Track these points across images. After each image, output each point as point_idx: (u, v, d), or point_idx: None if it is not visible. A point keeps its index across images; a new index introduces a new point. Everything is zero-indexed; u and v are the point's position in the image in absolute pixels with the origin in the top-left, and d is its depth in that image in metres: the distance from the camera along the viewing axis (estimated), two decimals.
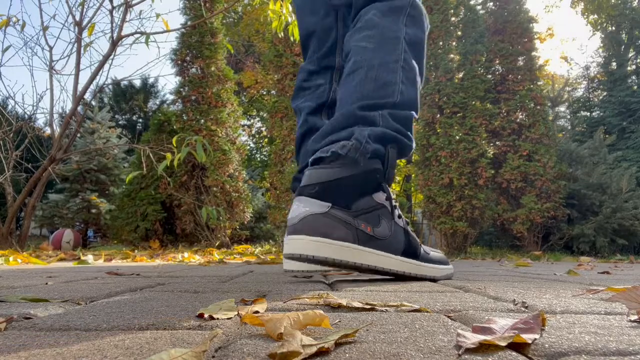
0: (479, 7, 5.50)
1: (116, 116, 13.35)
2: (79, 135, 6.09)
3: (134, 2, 3.34)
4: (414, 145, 1.01)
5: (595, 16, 12.15)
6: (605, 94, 9.85)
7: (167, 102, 13.86)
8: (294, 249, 0.82)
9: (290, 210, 0.87)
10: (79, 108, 3.63)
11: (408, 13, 1.08)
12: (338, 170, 0.86)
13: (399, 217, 0.92)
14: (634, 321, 0.46)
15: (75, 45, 3.40)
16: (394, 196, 0.93)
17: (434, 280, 0.95)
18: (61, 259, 2.14)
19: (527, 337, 0.35)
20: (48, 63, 3.42)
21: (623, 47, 10.42)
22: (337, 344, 0.35)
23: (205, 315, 0.47)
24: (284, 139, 5.15)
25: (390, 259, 0.88)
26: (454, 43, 5.30)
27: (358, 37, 1.05)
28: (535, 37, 5.29)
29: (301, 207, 0.84)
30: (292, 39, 2.74)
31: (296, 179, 1.31)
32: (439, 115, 5.09)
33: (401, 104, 0.97)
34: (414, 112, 1.01)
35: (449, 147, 4.81)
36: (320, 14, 1.23)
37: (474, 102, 4.96)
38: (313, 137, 1.01)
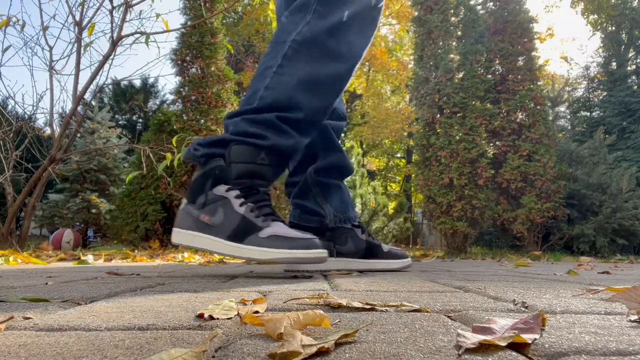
0: (479, 7, 5.50)
1: (116, 116, 13.35)
2: (79, 135, 6.09)
3: (134, 2, 3.34)
4: (285, 142, 1.08)
5: (595, 16, 12.15)
6: (605, 94, 9.85)
7: (167, 102, 13.86)
8: (173, 238, 1.10)
9: None
10: (79, 108, 3.63)
11: (314, 9, 1.09)
12: (194, 174, 1.09)
13: (242, 205, 1.03)
14: (634, 321, 0.46)
15: (75, 45, 3.40)
16: (241, 186, 1.05)
17: (260, 262, 1.07)
18: (61, 259, 2.14)
19: (527, 337, 0.35)
20: (48, 63, 3.42)
21: (623, 47, 10.41)
22: (337, 344, 0.35)
23: (205, 315, 0.47)
24: None
25: (216, 242, 1.03)
26: (454, 43, 5.30)
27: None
28: (535, 37, 5.29)
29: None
30: None
31: (288, 184, 1.40)
32: (439, 115, 5.09)
33: (260, 109, 1.08)
34: (281, 113, 1.07)
35: (449, 147, 4.80)
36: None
37: (474, 102, 4.96)
38: None
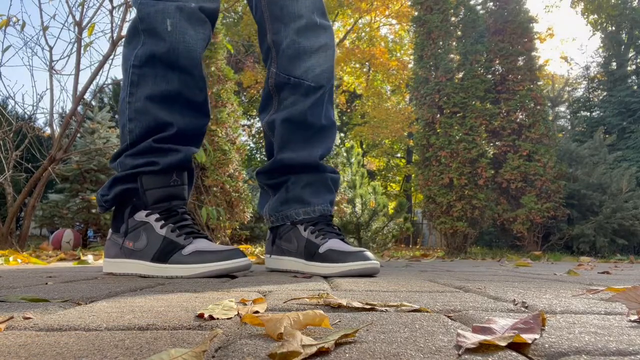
0: (479, 7, 5.50)
1: (116, 116, 13.33)
2: (79, 135, 6.09)
3: None
4: (174, 158, 1.09)
5: (595, 16, 12.15)
6: (605, 94, 9.85)
7: None
8: (104, 268, 1.14)
9: None
10: (79, 108, 3.63)
11: (142, 29, 1.09)
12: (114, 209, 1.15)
13: (163, 227, 1.05)
14: (634, 321, 0.46)
15: (75, 45, 3.40)
16: (161, 210, 1.07)
17: (182, 277, 1.03)
18: (61, 259, 2.14)
19: (527, 337, 0.35)
20: (48, 63, 3.42)
21: (623, 47, 10.41)
22: (337, 344, 0.35)
23: (205, 315, 0.47)
24: None
25: (142, 265, 1.06)
26: (454, 43, 5.30)
27: None
28: (535, 37, 5.29)
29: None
30: None
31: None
32: (439, 115, 5.09)
33: (134, 142, 1.09)
34: (156, 136, 1.08)
35: (449, 147, 4.81)
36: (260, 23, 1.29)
37: (474, 102, 4.96)
38: None
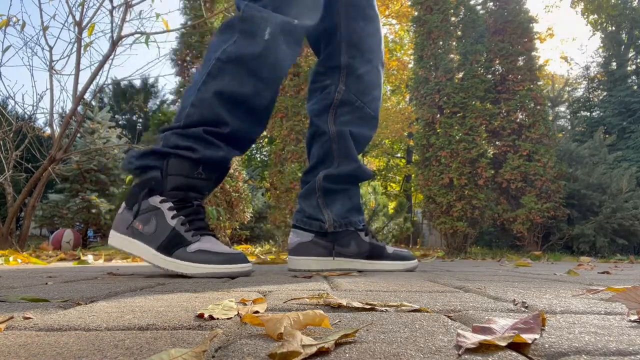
0: (479, 7, 5.49)
1: (116, 116, 13.36)
2: (79, 135, 6.09)
3: (134, 2, 3.34)
4: (215, 155, 1.11)
5: (595, 16, 12.14)
6: (605, 94, 9.85)
7: (167, 102, 13.87)
8: (109, 240, 1.13)
9: None
10: (79, 108, 3.63)
11: (240, 29, 1.12)
12: (133, 182, 1.09)
13: (174, 217, 1.06)
14: (634, 321, 0.46)
15: (75, 45, 3.40)
16: (176, 199, 1.07)
17: (185, 276, 1.03)
18: (61, 259, 2.14)
19: (527, 337, 0.35)
20: (48, 63, 3.42)
21: (623, 47, 10.41)
22: (337, 344, 0.35)
23: (205, 315, 0.47)
24: (284, 139, 5.15)
25: (146, 251, 1.06)
26: (454, 43, 5.29)
27: None
28: (535, 37, 5.28)
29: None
30: None
31: (303, 181, 1.43)
32: (439, 115, 5.09)
33: (187, 125, 1.11)
34: (208, 127, 1.10)
35: (449, 147, 4.80)
36: (323, 16, 1.24)
37: (474, 102, 4.96)
38: None
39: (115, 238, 1.11)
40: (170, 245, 1.04)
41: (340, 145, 1.36)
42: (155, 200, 1.07)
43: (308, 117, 1.44)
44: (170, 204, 1.07)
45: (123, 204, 1.13)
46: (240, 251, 1.11)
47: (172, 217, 1.06)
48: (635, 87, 9.51)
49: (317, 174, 1.37)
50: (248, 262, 1.06)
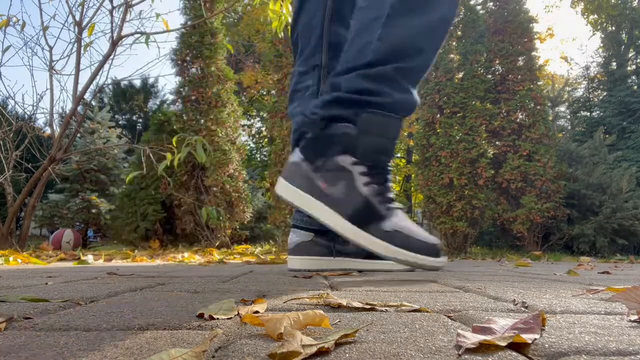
0: (479, 7, 5.49)
1: (116, 116, 13.36)
2: (79, 135, 6.09)
3: (134, 2, 3.34)
4: (405, 97, 0.97)
5: (595, 16, 12.14)
6: (605, 94, 9.85)
7: (167, 102, 13.86)
8: (277, 188, 1.02)
9: None
10: (79, 108, 3.63)
11: None
12: (312, 131, 0.98)
13: (366, 184, 0.94)
14: (634, 321, 0.46)
15: (75, 45, 3.40)
16: (366, 165, 0.95)
17: (380, 258, 0.95)
18: (61, 259, 2.14)
19: (527, 337, 0.35)
20: (48, 63, 3.42)
21: (623, 47, 10.41)
22: (337, 344, 0.35)
23: (205, 315, 0.47)
24: (284, 139, 5.15)
25: (333, 217, 0.94)
26: (454, 43, 5.29)
27: None
28: (535, 37, 5.28)
29: (291, 157, 1.01)
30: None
31: None
32: (439, 115, 5.09)
33: (374, 62, 0.96)
34: (397, 64, 0.96)
35: (449, 147, 4.80)
36: (309, 13, 1.20)
37: (474, 102, 4.96)
38: None
39: (290, 191, 0.95)
40: (363, 217, 0.93)
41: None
42: (347, 160, 0.94)
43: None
44: (363, 169, 0.94)
45: (297, 151, 0.97)
46: (437, 240, 0.98)
47: (365, 184, 0.94)
48: (635, 87, 9.51)
49: None
50: (444, 255, 0.97)
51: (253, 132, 15.61)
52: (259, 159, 15.57)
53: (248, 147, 13.59)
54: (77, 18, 3.39)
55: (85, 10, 3.41)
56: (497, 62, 5.20)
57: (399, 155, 17.16)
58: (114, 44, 3.30)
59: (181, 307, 0.55)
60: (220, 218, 4.71)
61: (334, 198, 0.93)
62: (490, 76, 5.18)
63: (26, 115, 3.93)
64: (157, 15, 3.20)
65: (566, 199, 4.88)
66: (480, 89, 4.91)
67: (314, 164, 0.95)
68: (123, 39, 3.34)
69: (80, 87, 3.39)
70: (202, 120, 5.15)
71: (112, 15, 3.26)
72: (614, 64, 10.13)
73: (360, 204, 0.93)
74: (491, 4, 5.47)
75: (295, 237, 1.30)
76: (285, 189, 0.98)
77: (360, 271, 1.27)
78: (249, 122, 15.55)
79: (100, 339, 0.37)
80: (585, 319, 0.48)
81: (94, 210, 6.38)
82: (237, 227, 5.20)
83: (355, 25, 1.02)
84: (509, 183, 4.86)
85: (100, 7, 3.39)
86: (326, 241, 1.25)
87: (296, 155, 0.98)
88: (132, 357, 0.32)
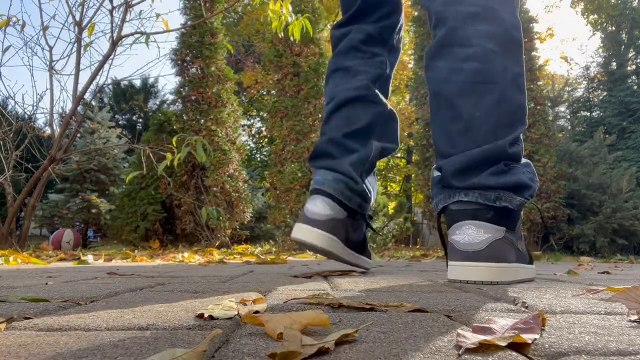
0: None
1: (116, 116, 13.36)
2: (79, 135, 6.09)
3: (134, 2, 3.34)
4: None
5: (595, 16, 12.15)
6: (605, 94, 9.85)
7: (167, 102, 13.85)
8: (477, 277, 0.87)
9: (464, 232, 0.89)
10: (79, 108, 3.63)
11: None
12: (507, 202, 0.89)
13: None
14: (634, 321, 0.46)
15: (75, 45, 3.41)
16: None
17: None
18: (61, 259, 2.14)
19: (527, 337, 0.35)
20: (48, 63, 3.42)
21: (623, 47, 10.41)
22: (337, 344, 0.35)
23: (205, 315, 0.47)
24: (284, 139, 5.15)
25: (528, 270, 0.96)
26: None
27: (476, 29, 0.90)
28: (535, 37, 5.29)
29: (482, 233, 0.88)
30: (292, 39, 2.74)
31: (319, 154, 1.14)
32: None
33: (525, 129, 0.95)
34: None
35: None
36: None
37: None
38: (444, 163, 0.93)
39: (509, 271, 0.89)
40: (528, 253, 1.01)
41: (396, 126, 1.23)
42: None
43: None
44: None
45: (501, 228, 0.88)
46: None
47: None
48: (635, 87, 9.51)
49: (368, 142, 1.14)
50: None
51: (253, 132, 15.61)
52: (259, 159, 15.57)
53: (248, 147, 13.60)
54: (77, 18, 3.40)
55: (85, 10, 3.41)
56: None
57: (399, 155, 17.17)
58: (114, 44, 3.30)
59: (181, 307, 0.55)
60: (220, 218, 4.71)
61: (523, 253, 0.95)
62: None
63: (26, 115, 3.93)
64: (157, 15, 3.20)
65: (566, 199, 4.88)
66: None
67: (515, 230, 0.93)
68: (123, 39, 3.34)
69: (80, 87, 3.39)
70: (202, 120, 5.15)
71: (112, 15, 3.26)
72: (614, 64, 10.13)
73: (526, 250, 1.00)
74: None
75: (327, 208, 1.06)
76: (504, 272, 0.88)
77: (366, 269, 1.24)
78: (249, 122, 15.56)
79: (100, 339, 0.37)
80: (585, 319, 0.48)
81: (94, 210, 6.38)
82: (237, 227, 5.20)
83: (491, 66, 0.92)
84: None
85: (100, 7, 3.40)
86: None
87: (500, 231, 0.88)
88: (132, 357, 0.32)
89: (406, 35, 15.02)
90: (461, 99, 0.91)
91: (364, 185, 1.12)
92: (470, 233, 0.88)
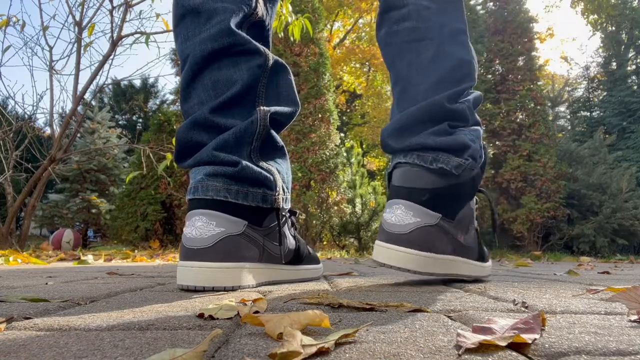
0: (479, 7, 5.50)
1: (116, 116, 13.36)
2: (79, 135, 6.09)
3: (134, 2, 3.34)
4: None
5: (595, 16, 12.15)
6: (605, 94, 9.85)
7: (167, 102, 13.86)
8: (397, 262, 0.80)
9: (393, 212, 0.81)
10: (79, 108, 3.63)
11: None
12: (446, 179, 0.81)
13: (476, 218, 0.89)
14: (634, 321, 0.46)
15: (75, 45, 3.41)
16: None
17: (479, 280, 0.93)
18: (61, 259, 2.14)
19: (527, 337, 0.35)
20: (48, 63, 3.42)
21: (623, 47, 10.42)
22: (337, 344, 0.35)
23: (205, 315, 0.47)
24: (284, 139, 5.15)
25: (471, 266, 0.88)
26: None
27: None
28: (535, 37, 5.29)
29: (410, 216, 0.80)
30: (292, 39, 2.74)
31: (183, 147, 0.80)
32: None
33: (467, 90, 0.88)
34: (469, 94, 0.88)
35: None
36: None
37: None
38: (389, 126, 0.87)
39: (433, 262, 0.81)
40: (481, 250, 0.93)
41: None
42: (473, 203, 0.91)
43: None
44: (476, 204, 0.93)
45: (435, 214, 0.80)
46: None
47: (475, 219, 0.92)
48: (635, 87, 9.52)
49: (250, 111, 0.83)
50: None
51: None
52: None
53: None
54: (77, 18, 3.40)
55: (85, 10, 3.42)
56: (497, 62, 5.21)
57: None
58: (114, 44, 3.30)
59: (181, 307, 0.55)
60: None
61: (468, 247, 0.87)
62: (490, 76, 5.18)
63: (26, 115, 3.93)
64: (157, 15, 3.20)
65: (566, 199, 4.89)
66: (480, 89, 4.92)
67: (454, 220, 0.84)
68: (123, 39, 3.34)
69: (80, 87, 3.39)
70: None
71: (112, 15, 3.26)
72: (614, 64, 10.14)
73: (476, 239, 0.91)
74: (491, 4, 5.48)
75: (211, 225, 0.74)
76: (427, 262, 0.80)
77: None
78: None
79: (100, 339, 0.37)
80: (585, 319, 0.48)
81: (94, 210, 6.38)
82: None
83: (426, 23, 0.88)
84: (508, 183, 4.86)
85: (100, 7, 3.40)
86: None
87: (435, 218, 0.80)
88: (132, 357, 0.32)
89: None
90: (398, 59, 0.88)
91: (259, 169, 0.79)
92: (399, 214, 0.80)
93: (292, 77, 0.91)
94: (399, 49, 0.87)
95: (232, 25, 0.78)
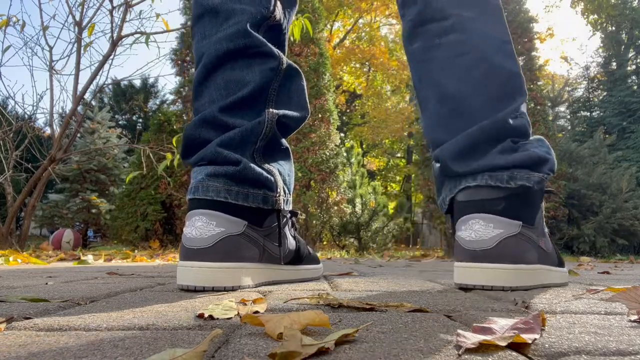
0: None
1: (116, 116, 13.36)
2: (79, 135, 6.09)
3: (134, 2, 3.34)
4: None
5: (595, 16, 12.16)
6: (605, 94, 9.86)
7: (167, 102, 13.85)
8: (486, 281, 0.73)
9: (470, 228, 0.76)
10: (79, 108, 3.63)
11: None
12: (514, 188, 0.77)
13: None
14: (634, 321, 0.46)
15: (75, 45, 3.41)
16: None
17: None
18: (61, 259, 2.14)
19: (527, 337, 0.35)
20: (48, 63, 3.42)
21: (623, 47, 10.42)
22: (337, 344, 0.35)
23: (205, 315, 0.47)
24: None
25: (555, 273, 0.83)
26: None
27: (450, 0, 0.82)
28: (535, 37, 5.29)
29: (491, 229, 0.74)
30: (292, 39, 2.74)
31: (189, 144, 0.81)
32: None
33: (525, 99, 0.84)
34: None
35: None
36: None
37: None
38: (441, 150, 0.82)
39: (527, 274, 0.75)
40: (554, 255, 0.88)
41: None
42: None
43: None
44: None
45: (517, 222, 0.74)
46: None
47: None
48: (635, 87, 9.52)
49: (259, 112, 0.83)
50: None
51: None
52: None
53: None
54: (77, 18, 3.40)
55: (85, 10, 3.41)
56: None
57: (398, 155, 17.17)
58: (114, 44, 3.30)
59: (181, 307, 0.55)
60: None
61: (550, 252, 0.82)
62: None
63: (26, 115, 3.93)
64: (157, 15, 3.20)
65: (566, 199, 4.89)
66: None
67: (537, 226, 0.79)
68: (123, 39, 3.34)
69: (80, 87, 3.39)
70: None
71: (112, 15, 3.26)
72: (614, 64, 10.14)
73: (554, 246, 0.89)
74: None
75: (212, 225, 0.73)
76: (520, 275, 0.74)
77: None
78: None
79: (100, 339, 0.37)
80: (585, 319, 0.48)
81: (94, 210, 6.38)
82: None
83: (469, 35, 0.83)
84: None
85: (100, 7, 3.40)
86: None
87: (516, 226, 0.74)
88: (132, 357, 0.32)
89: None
90: (444, 76, 0.82)
91: (261, 170, 0.78)
92: (478, 229, 0.74)
93: (305, 83, 0.90)
94: (443, 64, 0.82)
95: (249, 27, 0.80)
